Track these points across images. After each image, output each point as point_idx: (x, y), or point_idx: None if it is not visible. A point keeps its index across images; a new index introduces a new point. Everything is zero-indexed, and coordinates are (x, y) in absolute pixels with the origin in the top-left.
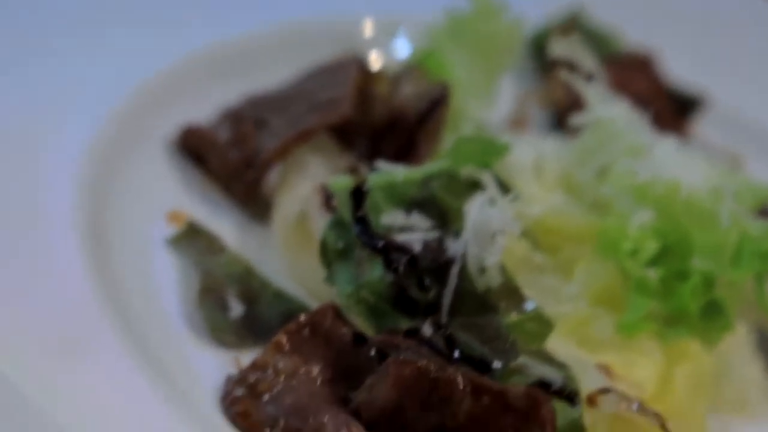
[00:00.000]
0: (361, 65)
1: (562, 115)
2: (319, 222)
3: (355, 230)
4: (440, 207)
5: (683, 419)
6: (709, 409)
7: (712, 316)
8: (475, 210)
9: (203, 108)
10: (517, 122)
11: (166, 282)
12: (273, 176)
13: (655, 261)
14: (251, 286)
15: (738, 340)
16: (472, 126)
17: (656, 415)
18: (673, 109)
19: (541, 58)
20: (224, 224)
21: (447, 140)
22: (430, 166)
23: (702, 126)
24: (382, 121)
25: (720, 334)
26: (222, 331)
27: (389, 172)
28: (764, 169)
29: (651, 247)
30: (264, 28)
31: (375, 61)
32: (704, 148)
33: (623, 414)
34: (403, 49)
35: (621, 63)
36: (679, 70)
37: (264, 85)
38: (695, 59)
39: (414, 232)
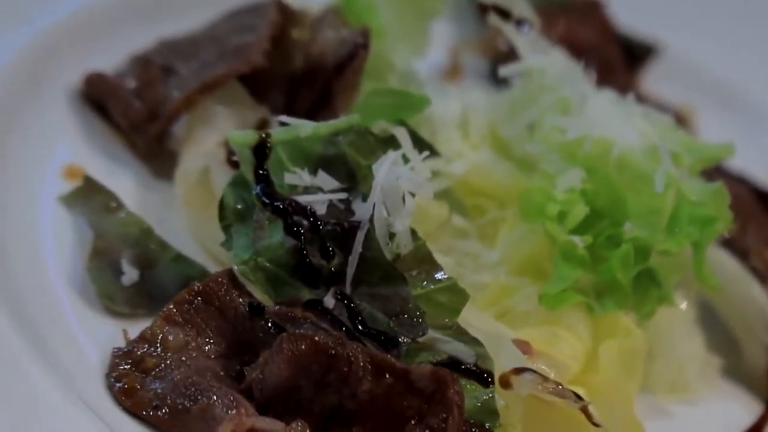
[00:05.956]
0: (281, 7)
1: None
2: (222, 179)
3: (254, 189)
4: (349, 166)
5: (610, 401)
6: (641, 390)
7: (645, 288)
8: (384, 169)
9: (118, 55)
10: (451, 73)
11: (56, 243)
12: (179, 129)
13: (583, 226)
14: (148, 249)
15: (676, 314)
16: (398, 77)
17: (578, 398)
18: (623, 58)
19: (477, 3)
20: (125, 181)
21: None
22: (339, 121)
23: (654, 75)
24: (299, 70)
25: (654, 307)
26: (113, 298)
27: (295, 127)
28: (719, 122)
29: (579, 211)
30: None
31: (295, 2)
32: (650, 102)
33: (541, 396)
34: None
35: (569, 9)
36: (631, 15)
37: (182, 28)
38: (648, 4)
39: (319, 193)
